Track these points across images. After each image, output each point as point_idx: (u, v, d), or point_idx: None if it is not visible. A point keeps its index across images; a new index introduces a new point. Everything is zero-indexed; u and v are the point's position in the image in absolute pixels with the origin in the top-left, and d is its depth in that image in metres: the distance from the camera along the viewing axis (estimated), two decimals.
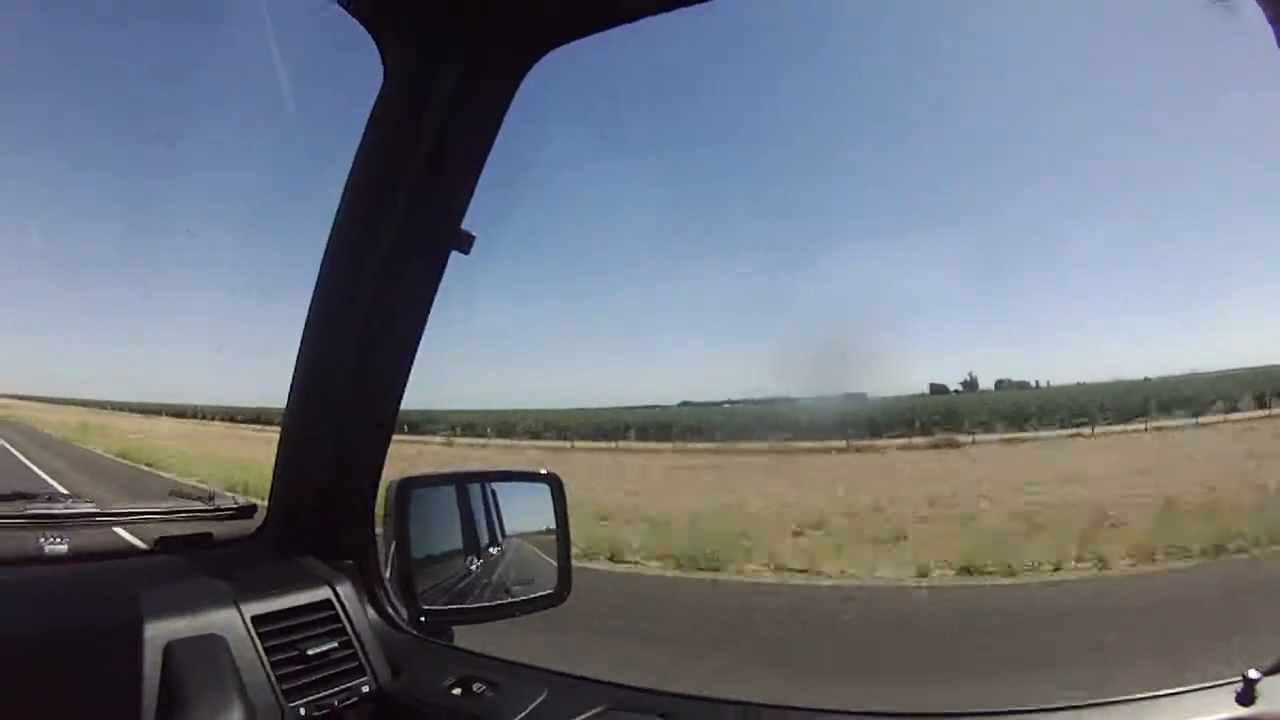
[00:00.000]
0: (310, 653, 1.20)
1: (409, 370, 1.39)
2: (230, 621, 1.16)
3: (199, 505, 1.47)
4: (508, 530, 1.44)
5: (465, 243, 1.32)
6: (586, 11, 1.16)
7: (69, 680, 1.02)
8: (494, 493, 1.45)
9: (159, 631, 1.09)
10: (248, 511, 1.48)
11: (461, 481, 1.44)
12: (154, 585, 1.19)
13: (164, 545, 1.38)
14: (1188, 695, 0.96)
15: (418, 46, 1.19)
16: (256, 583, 1.25)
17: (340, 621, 1.27)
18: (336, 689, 1.20)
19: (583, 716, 1.10)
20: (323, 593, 1.29)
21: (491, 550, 1.41)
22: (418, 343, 1.38)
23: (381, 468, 1.43)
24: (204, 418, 29.48)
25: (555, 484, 1.44)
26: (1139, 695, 0.96)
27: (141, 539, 1.39)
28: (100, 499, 1.44)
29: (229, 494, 1.55)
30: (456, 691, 1.20)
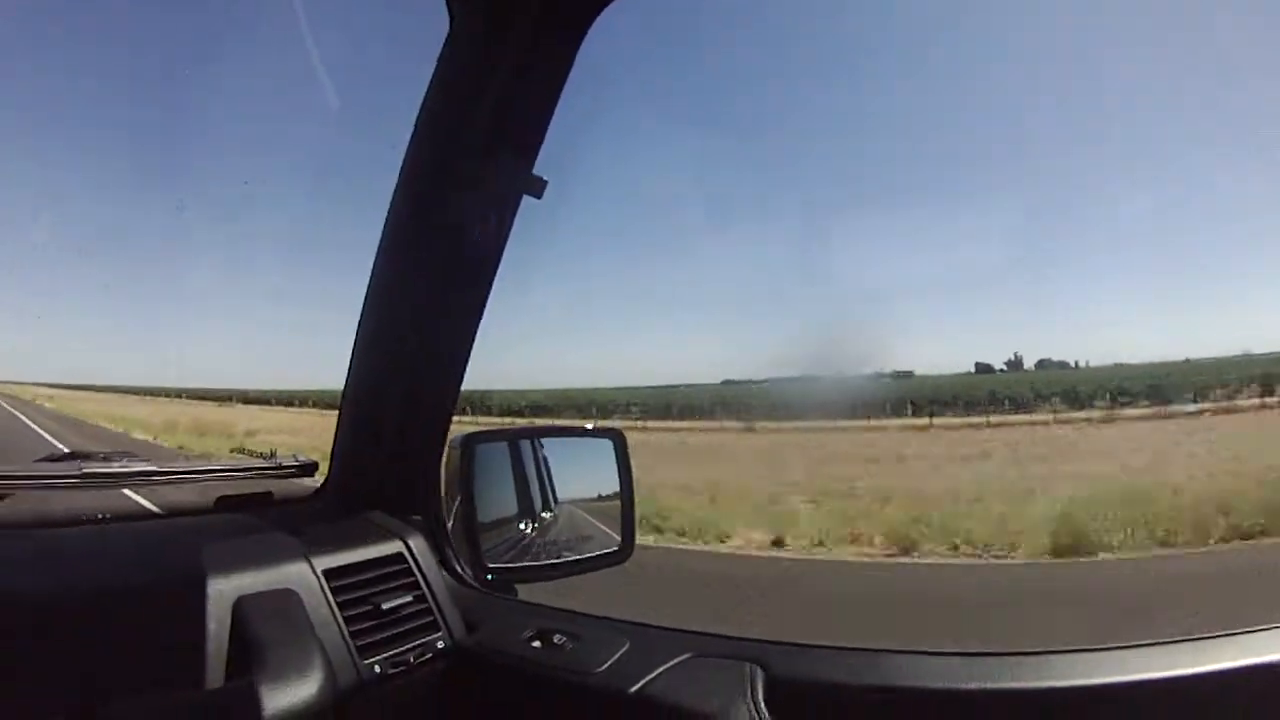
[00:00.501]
0: (384, 607, 1.17)
1: (479, 319, 1.35)
2: (301, 575, 1.13)
3: (258, 463, 1.44)
4: (568, 485, 1.42)
5: (537, 188, 1.28)
6: None
7: (135, 637, 0.98)
8: (546, 451, 1.43)
9: (227, 586, 1.05)
10: (310, 469, 1.44)
11: (517, 437, 1.42)
12: (217, 541, 1.16)
13: (224, 504, 1.35)
14: (1250, 635, 0.94)
15: None
16: (325, 537, 1.22)
17: (413, 575, 1.24)
18: (411, 644, 1.17)
19: (670, 664, 1.08)
20: (394, 546, 1.26)
21: (548, 510, 1.40)
22: (489, 289, 1.34)
23: (450, 420, 1.40)
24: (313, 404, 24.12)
25: (618, 440, 1.42)
26: (1199, 635, 0.95)
27: (200, 498, 1.36)
28: (157, 458, 1.41)
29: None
30: (537, 644, 1.18)
